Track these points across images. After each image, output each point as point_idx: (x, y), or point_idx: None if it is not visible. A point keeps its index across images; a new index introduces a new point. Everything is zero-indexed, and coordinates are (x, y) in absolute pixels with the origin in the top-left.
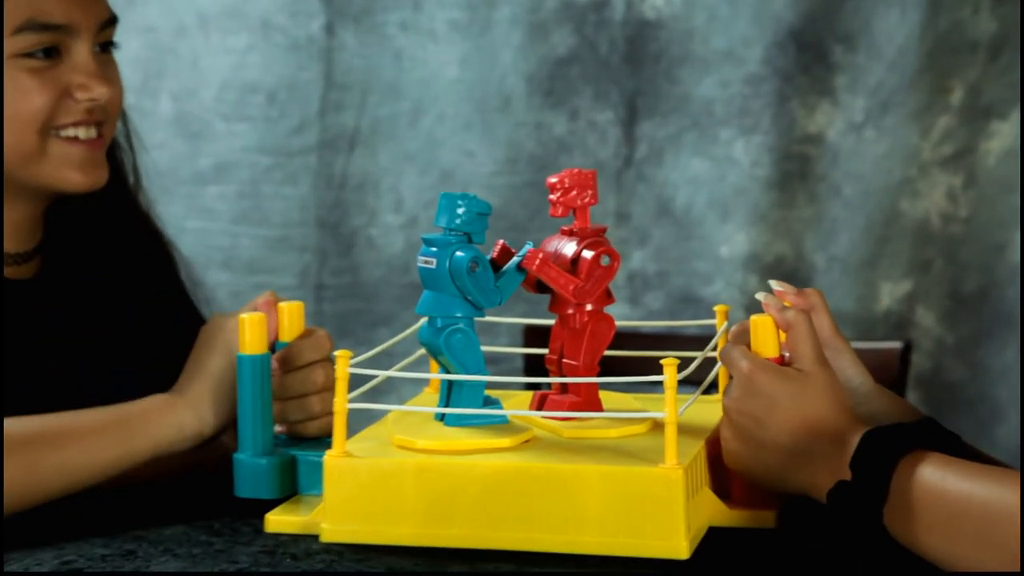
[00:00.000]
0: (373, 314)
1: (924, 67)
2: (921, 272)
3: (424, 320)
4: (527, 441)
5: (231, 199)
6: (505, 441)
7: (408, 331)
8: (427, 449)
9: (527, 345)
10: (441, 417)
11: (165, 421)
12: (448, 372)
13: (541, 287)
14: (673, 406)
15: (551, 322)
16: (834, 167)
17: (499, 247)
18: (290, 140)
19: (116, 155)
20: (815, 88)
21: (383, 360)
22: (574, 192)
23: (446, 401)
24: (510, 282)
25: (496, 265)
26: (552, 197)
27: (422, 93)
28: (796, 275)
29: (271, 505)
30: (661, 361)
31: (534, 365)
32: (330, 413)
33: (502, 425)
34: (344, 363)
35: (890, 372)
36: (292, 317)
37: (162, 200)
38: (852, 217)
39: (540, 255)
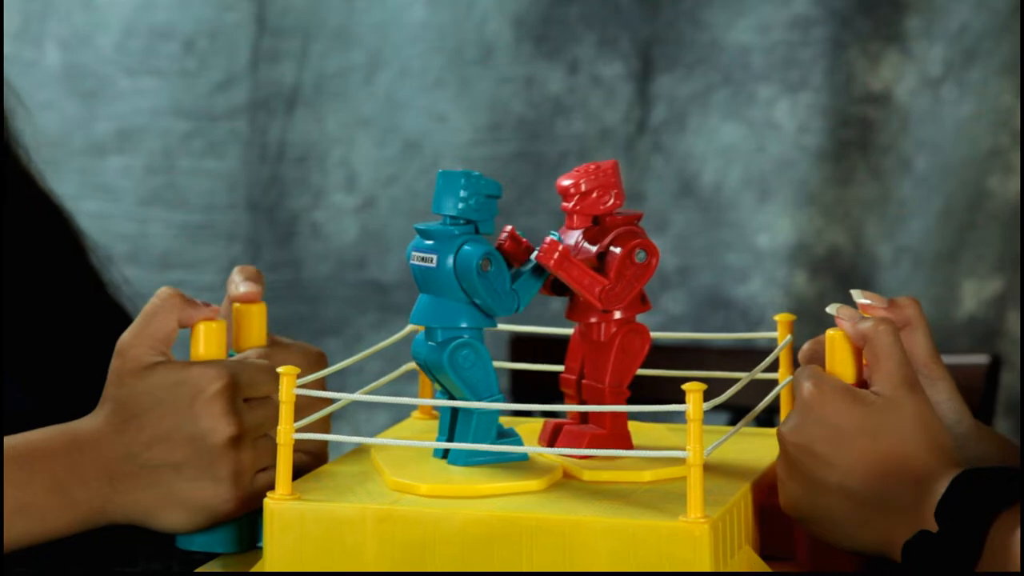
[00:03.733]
0: (319, 320)
1: (1021, 5)
2: (1014, 268)
3: (407, 331)
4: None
5: (138, 175)
6: (533, 483)
7: (386, 342)
8: (436, 495)
9: (514, 359)
10: (443, 454)
11: None
12: (450, 395)
13: (557, 288)
14: (699, 443)
15: (542, 330)
16: (904, 135)
17: (507, 235)
18: (213, 100)
19: None
20: (880, 33)
21: (332, 379)
22: (594, 195)
23: (448, 432)
24: (529, 284)
25: (508, 259)
26: (567, 205)
27: (380, 41)
28: (854, 271)
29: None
30: (684, 386)
31: (523, 385)
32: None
33: (521, 463)
34: (290, 383)
35: (974, 394)
36: (253, 322)
37: (48, 175)
38: (927, 198)
39: (559, 248)
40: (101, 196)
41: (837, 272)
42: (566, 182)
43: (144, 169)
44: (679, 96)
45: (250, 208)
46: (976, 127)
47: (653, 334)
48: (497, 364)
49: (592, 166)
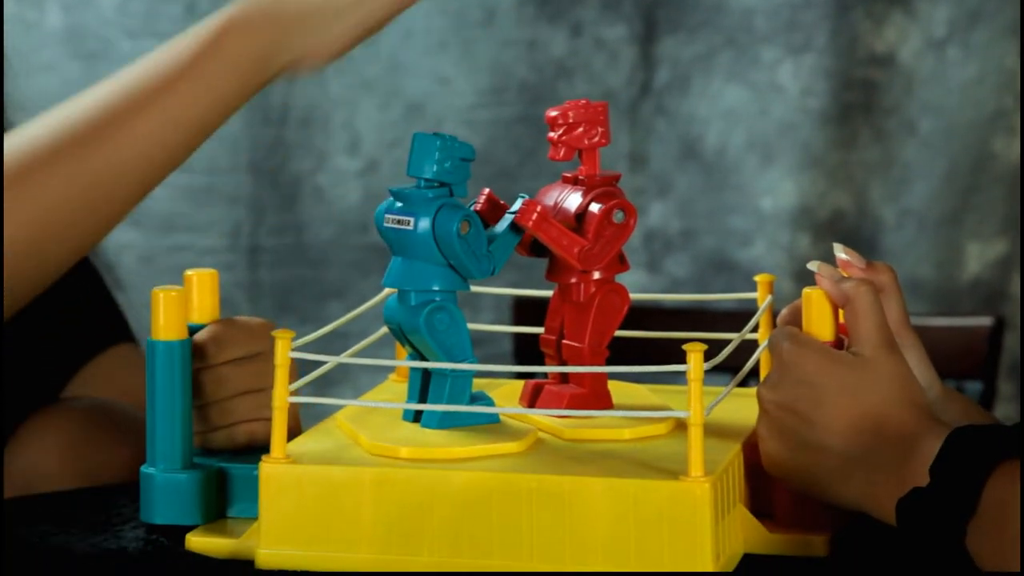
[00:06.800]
0: (322, 284)
1: None
2: (1018, 231)
3: (386, 293)
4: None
5: None
6: (511, 445)
7: (366, 305)
8: (413, 459)
9: (517, 322)
10: (414, 416)
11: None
12: (422, 358)
13: (536, 249)
14: (699, 402)
15: (546, 294)
16: (908, 97)
17: (485, 197)
18: None
19: None
20: None
21: (334, 342)
22: (580, 129)
23: (419, 395)
24: (504, 246)
25: (484, 222)
26: (552, 135)
27: None
28: (858, 234)
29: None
30: (684, 347)
31: (526, 348)
32: (252, 419)
33: (494, 425)
34: (285, 346)
35: (977, 356)
36: (203, 290)
37: None
38: (931, 161)
39: (538, 209)
40: None
41: (841, 235)
42: (554, 112)
43: None
44: (682, 58)
45: (253, 171)
46: (980, 89)
47: (654, 296)
48: (498, 328)
49: (583, 101)
